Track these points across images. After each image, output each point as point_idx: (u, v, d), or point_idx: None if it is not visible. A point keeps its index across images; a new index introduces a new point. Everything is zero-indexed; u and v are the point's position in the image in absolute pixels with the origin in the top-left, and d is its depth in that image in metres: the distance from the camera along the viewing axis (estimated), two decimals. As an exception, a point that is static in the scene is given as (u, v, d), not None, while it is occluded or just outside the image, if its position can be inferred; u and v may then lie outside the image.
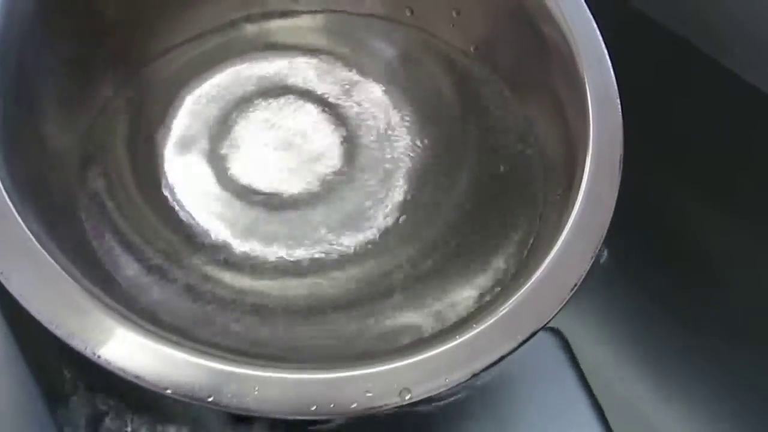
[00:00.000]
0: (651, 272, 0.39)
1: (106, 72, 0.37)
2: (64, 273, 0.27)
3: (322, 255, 0.35)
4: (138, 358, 0.26)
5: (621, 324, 0.38)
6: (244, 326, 0.31)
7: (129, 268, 0.33)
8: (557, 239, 0.30)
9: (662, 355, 0.37)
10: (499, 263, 0.33)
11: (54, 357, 0.34)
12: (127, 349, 0.26)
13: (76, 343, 0.26)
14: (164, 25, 0.39)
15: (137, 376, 0.26)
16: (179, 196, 0.36)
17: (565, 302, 0.30)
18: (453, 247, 0.34)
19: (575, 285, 0.30)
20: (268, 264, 0.34)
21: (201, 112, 0.39)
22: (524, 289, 0.29)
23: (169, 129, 0.38)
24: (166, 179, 0.37)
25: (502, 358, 0.28)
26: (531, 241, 0.33)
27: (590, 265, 0.30)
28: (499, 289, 0.32)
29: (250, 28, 0.41)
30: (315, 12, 0.42)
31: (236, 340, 0.31)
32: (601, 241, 0.31)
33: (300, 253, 0.35)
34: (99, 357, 0.26)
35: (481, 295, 0.32)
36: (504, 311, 0.29)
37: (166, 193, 0.36)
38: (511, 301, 0.29)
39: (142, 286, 0.32)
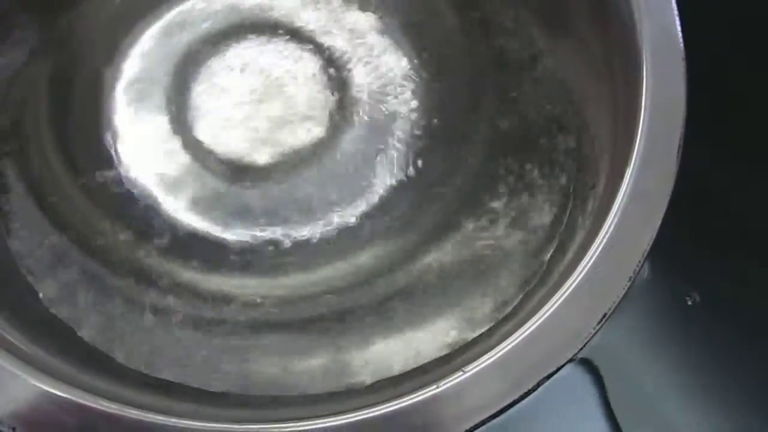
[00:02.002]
0: (714, 289, 0.31)
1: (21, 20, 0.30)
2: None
3: (308, 239, 0.28)
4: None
5: (671, 354, 0.31)
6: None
7: (57, 281, 0.26)
8: (586, 252, 0.23)
9: (718, 398, 0.29)
10: (505, 279, 0.26)
11: None
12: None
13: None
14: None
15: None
16: (127, 170, 0.29)
17: (588, 338, 0.22)
18: (445, 252, 0.27)
19: (605, 315, 0.22)
20: (231, 255, 0.28)
21: (157, 55, 0.31)
22: (536, 318, 0.22)
23: (115, 78, 0.31)
24: (113, 146, 0.30)
25: (499, 413, 0.21)
26: (551, 250, 0.26)
27: (627, 288, 0.23)
28: (502, 316, 0.25)
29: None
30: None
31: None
32: (645, 256, 0.23)
33: (274, 237, 0.28)
34: None
35: (475, 323, 0.25)
36: (504, 349, 0.22)
37: (108, 172, 0.29)
38: (516, 335, 0.22)
39: (79, 306, 0.26)
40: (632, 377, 0.31)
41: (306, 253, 0.28)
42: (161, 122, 0.31)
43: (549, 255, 0.26)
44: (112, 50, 0.31)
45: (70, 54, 0.31)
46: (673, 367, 0.32)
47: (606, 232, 0.23)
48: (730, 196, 0.34)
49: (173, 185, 0.30)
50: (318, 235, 0.28)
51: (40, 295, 0.26)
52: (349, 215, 0.28)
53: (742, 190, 0.34)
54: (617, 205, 0.23)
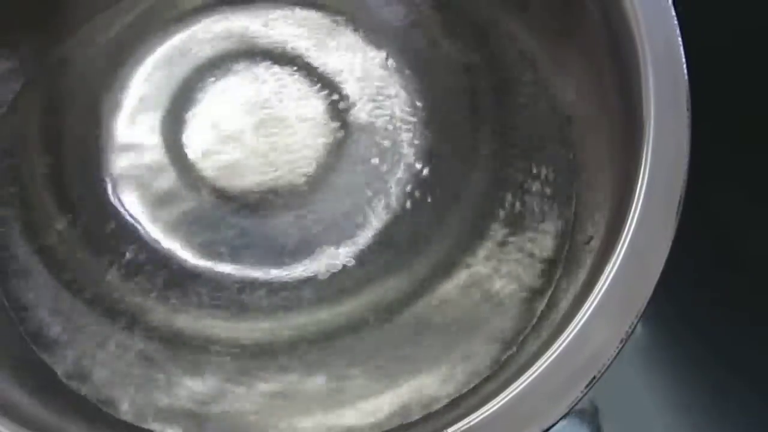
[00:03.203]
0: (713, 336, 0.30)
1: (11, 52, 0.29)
2: None
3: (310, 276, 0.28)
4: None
5: (671, 397, 0.30)
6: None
7: (47, 322, 0.26)
8: (577, 311, 0.22)
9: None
10: (490, 337, 0.25)
11: None
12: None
13: None
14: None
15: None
16: (124, 198, 0.29)
17: (575, 402, 0.22)
18: (430, 305, 0.26)
19: (594, 379, 0.22)
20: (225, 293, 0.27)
21: (156, 82, 0.31)
22: (522, 379, 0.21)
23: (111, 106, 0.30)
24: (108, 175, 0.30)
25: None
26: (540, 307, 0.25)
27: (617, 353, 0.22)
28: (485, 376, 0.24)
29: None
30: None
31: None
32: (639, 317, 0.22)
33: (263, 275, 0.28)
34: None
35: (457, 383, 0.24)
36: (487, 411, 0.21)
37: (104, 195, 0.29)
38: (500, 396, 0.21)
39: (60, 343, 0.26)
40: (632, 421, 0.30)
41: (296, 293, 0.27)
42: (158, 149, 0.30)
43: (538, 313, 0.25)
44: (111, 77, 0.31)
45: (66, 81, 0.31)
46: (673, 411, 0.31)
47: (599, 291, 0.22)
48: (732, 230, 0.33)
49: (169, 217, 0.29)
50: (308, 274, 0.28)
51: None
52: (340, 254, 0.28)
53: (745, 224, 0.33)
54: (612, 263, 0.23)
